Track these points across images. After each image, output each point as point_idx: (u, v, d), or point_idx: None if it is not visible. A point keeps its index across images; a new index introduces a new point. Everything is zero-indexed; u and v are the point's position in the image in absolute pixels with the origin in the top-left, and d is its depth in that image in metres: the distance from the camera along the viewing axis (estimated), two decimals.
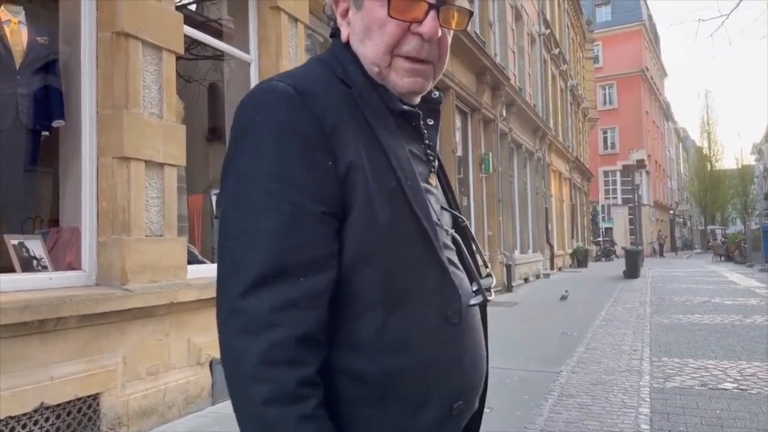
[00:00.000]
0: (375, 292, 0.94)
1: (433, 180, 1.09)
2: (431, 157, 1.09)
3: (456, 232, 1.10)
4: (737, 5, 10.13)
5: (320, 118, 0.93)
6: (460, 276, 1.04)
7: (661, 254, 42.99)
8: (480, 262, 1.14)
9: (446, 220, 1.10)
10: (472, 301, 1.04)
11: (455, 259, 1.06)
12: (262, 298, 0.86)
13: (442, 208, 1.10)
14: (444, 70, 1.09)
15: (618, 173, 43.45)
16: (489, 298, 1.07)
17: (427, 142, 1.09)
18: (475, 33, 13.26)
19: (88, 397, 3.63)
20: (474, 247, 1.14)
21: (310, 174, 0.90)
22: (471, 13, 1.06)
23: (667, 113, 63.34)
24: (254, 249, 0.88)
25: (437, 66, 1.04)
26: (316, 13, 6.59)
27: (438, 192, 1.10)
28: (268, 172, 0.90)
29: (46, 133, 4.20)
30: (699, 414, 4.45)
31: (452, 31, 1.05)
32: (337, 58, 1.05)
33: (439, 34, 0.99)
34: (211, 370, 4.47)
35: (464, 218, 1.15)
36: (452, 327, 0.99)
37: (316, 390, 0.87)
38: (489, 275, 1.13)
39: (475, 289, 1.06)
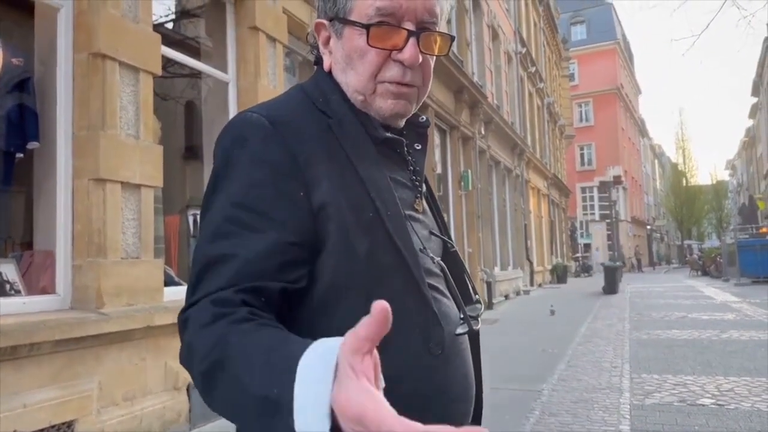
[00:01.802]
0: (353, 326, 0.92)
1: (420, 206, 1.07)
2: (417, 183, 1.08)
3: (446, 257, 1.08)
4: (707, 26, 10.39)
5: (293, 149, 0.92)
6: (447, 304, 1.03)
7: (639, 269, 43.53)
8: (470, 288, 1.12)
9: (434, 246, 1.08)
10: (459, 330, 1.02)
11: (442, 287, 1.04)
12: (204, 308, 0.83)
13: (431, 233, 1.08)
14: (428, 93, 1.09)
15: (595, 189, 43.99)
16: (475, 327, 1.05)
17: (412, 167, 1.08)
18: (453, 52, 13.40)
19: (63, 424, 3.55)
20: (464, 274, 1.12)
21: (280, 204, 0.89)
22: (453, 38, 1.05)
23: (642, 130, 64.36)
24: (214, 276, 0.86)
25: (421, 90, 1.04)
26: (294, 33, 6.61)
27: (425, 217, 1.09)
28: (236, 201, 0.89)
29: (21, 155, 4.14)
30: (678, 431, 4.47)
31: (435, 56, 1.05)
32: (319, 88, 1.04)
33: (420, 60, 0.99)
34: (188, 395, 4.40)
35: (453, 243, 1.13)
36: (434, 359, 0.97)
37: (237, 310, 0.81)
38: (478, 302, 1.11)
39: (462, 316, 1.04)
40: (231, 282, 0.84)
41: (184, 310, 0.87)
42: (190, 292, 0.89)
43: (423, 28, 0.99)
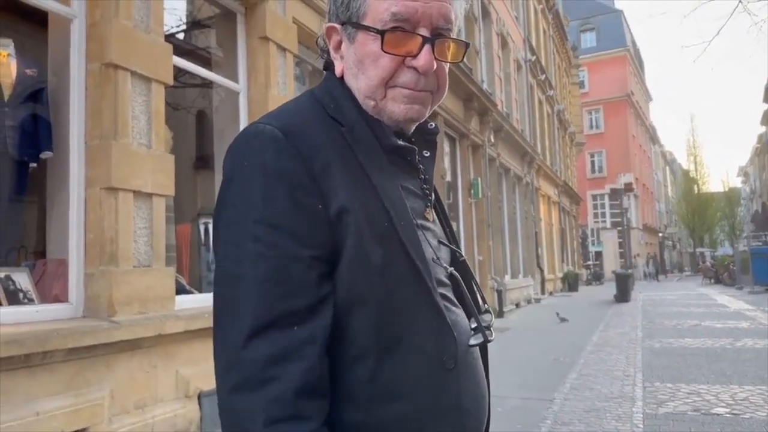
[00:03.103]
0: (367, 338, 0.91)
1: (430, 214, 1.06)
2: (427, 191, 1.06)
3: (455, 266, 1.07)
4: (718, 32, 10.36)
5: (308, 159, 0.91)
6: (457, 313, 1.01)
7: (656, 277, 42.75)
8: (479, 298, 1.10)
9: (444, 255, 1.06)
10: (472, 341, 1.00)
11: (452, 296, 1.03)
12: (256, 350, 0.83)
13: (440, 242, 1.06)
14: (443, 99, 1.07)
15: (606, 197, 43.77)
16: (490, 338, 1.03)
17: (423, 176, 1.06)
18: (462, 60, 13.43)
19: None
20: (473, 283, 1.10)
21: (299, 218, 0.88)
22: (467, 45, 1.04)
23: (653, 137, 64.06)
24: (245, 299, 0.86)
25: (436, 95, 1.02)
26: (304, 43, 6.64)
27: (435, 226, 1.07)
28: (255, 218, 0.88)
29: (34, 164, 4.18)
30: None
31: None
32: (330, 94, 1.02)
33: (435, 67, 0.97)
34: (199, 403, 4.40)
35: (462, 253, 1.11)
36: (448, 372, 0.95)
37: None
38: (488, 311, 1.09)
39: (474, 326, 1.02)
40: (267, 312, 0.85)
41: (236, 347, 0.85)
42: (225, 319, 0.88)
43: (438, 35, 0.97)
